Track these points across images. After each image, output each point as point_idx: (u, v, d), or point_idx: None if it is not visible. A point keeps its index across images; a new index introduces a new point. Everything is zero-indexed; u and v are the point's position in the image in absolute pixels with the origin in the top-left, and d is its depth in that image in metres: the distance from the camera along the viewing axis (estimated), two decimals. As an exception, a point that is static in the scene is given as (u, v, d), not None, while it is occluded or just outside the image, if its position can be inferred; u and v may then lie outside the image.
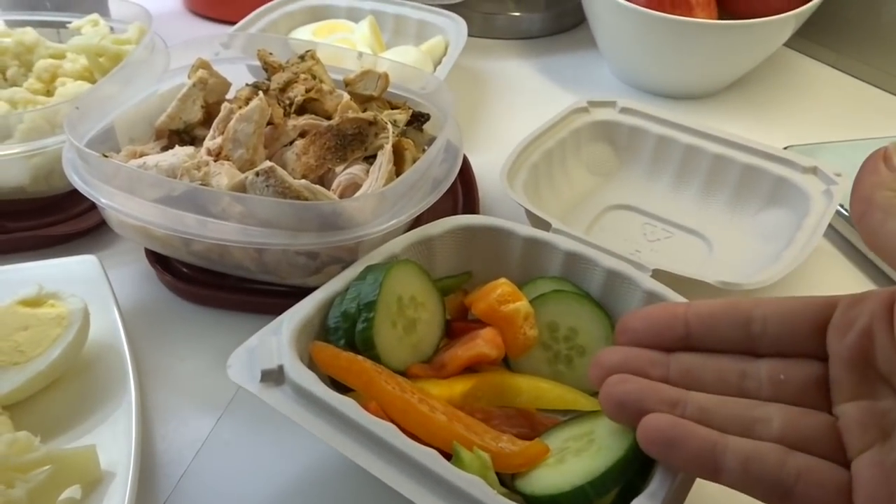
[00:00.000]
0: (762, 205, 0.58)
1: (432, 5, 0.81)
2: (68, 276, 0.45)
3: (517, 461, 0.34)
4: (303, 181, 0.44)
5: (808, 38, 0.86)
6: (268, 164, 0.43)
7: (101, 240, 0.55)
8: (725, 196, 0.60)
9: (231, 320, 0.49)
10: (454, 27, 0.78)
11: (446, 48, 0.77)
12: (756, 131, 0.69)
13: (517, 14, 0.92)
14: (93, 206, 0.55)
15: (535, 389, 0.39)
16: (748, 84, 0.80)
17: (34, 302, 0.41)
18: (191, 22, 0.93)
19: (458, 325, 0.44)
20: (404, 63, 0.61)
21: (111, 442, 0.37)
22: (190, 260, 0.49)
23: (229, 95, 0.56)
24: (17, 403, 0.39)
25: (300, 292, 0.48)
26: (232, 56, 0.63)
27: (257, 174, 0.43)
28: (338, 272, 0.46)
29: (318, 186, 0.44)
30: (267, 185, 0.43)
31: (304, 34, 0.78)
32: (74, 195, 0.55)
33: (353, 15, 0.82)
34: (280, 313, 0.42)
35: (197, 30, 0.91)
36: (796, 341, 0.29)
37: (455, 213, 0.55)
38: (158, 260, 0.51)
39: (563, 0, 0.94)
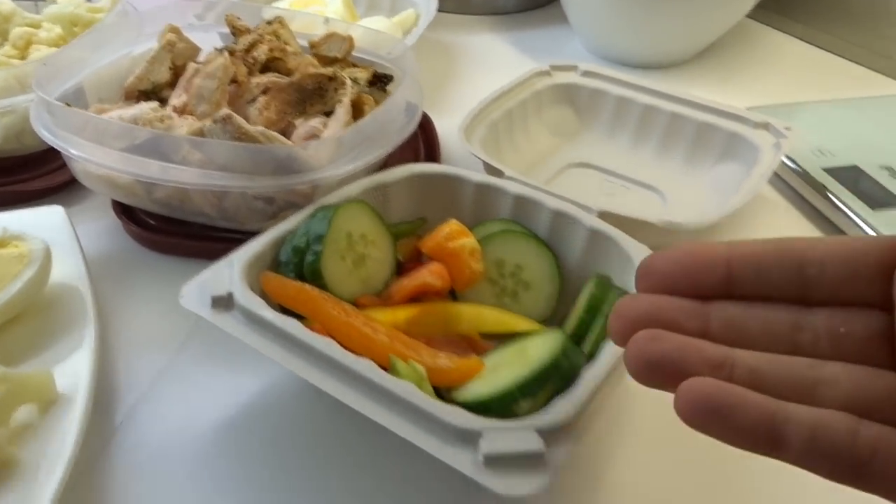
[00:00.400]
0: (716, 159, 0.59)
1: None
2: (34, 222, 0.47)
3: (452, 376, 0.36)
4: (259, 128, 0.45)
5: (774, 11, 0.88)
6: (225, 110, 0.45)
7: (71, 196, 0.56)
8: (681, 152, 0.61)
9: (193, 266, 0.50)
10: (425, 0, 0.79)
11: (417, 20, 0.78)
12: (719, 96, 0.70)
13: (492, -10, 0.94)
14: (63, 165, 0.56)
15: (476, 315, 0.40)
16: (715, 54, 0.82)
17: (-1, 244, 0.43)
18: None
19: (410, 266, 0.46)
20: (368, 27, 0.63)
21: (70, 369, 0.39)
22: (153, 208, 0.50)
23: (199, 60, 0.58)
24: (-20, 336, 0.40)
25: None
26: (205, 25, 0.65)
27: (215, 121, 0.45)
28: (294, 217, 0.47)
29: (274, 133, 0.46)
30: (224, 131, 0.45)
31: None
32: (46, 154, 0.57)
33: (328, -11, 0.83)
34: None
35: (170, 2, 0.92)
36: (858, 288, 0.24)
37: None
38: (124, 212, 0.53)
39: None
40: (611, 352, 0.35)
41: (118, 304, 0.47)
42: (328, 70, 0.52)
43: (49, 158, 0.57)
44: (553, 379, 0.34)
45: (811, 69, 0.80)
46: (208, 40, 0.61)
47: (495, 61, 0.82)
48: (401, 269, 0.45)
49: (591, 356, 0.36)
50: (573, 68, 0.66)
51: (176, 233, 0.51)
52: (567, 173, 0.62)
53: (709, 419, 0.22)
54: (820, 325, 0.24)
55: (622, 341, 0.24)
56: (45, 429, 0.36)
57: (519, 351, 0.36)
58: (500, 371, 0.35)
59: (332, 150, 0.46)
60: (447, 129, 0.64)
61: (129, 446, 0.39)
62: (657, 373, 0.23)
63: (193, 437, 0.40)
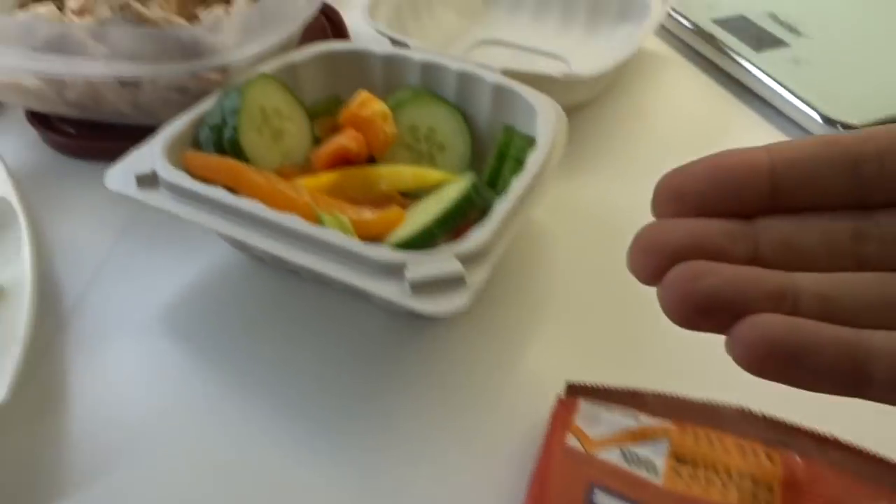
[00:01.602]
0: (614, 22, 0.62)
1: None
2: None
3: (377, 227, 0.39)
4: (160, 13, 0.46)
5: None
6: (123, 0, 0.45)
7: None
8: (582, 20, 0.64)
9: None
10: None
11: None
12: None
13: None
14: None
15: (394, 173, 0.43)
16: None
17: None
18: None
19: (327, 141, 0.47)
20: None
21: (10, 266, 0.40)
22: (67, 112, 0.50)
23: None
24: None
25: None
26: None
27: (113, 10, 0.45)
28: (211, 105, 0.48)
29: (176, 17, 0.46)
30: (126, 21, 0.45)
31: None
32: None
33: None
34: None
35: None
36: None
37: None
38: (41, 122, 0.53)
39: None
40: (518, 185, 0.38)
41: (47, 210, 0.48)
42: (225, -42, 0.52)
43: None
44: (466, 213, 0.37)
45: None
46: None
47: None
48: (319, 144, 0.47)
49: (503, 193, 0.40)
50: (473, -54, 0.67)
51: (96, 137, 0.52)
52: (476, 52, 0.64)
53: (781, 364, 0.18)
54: (887, 230, 0.20)
55: (653, 279, 0.20)
56: (-7, 319, 0.37)
57: (436, 198, 0.39)
58: (419, 216, 0.38)
59: (238, 31, 0.47)
60: (355, 21, 0.64)
61: (81, 330, 0.41)
62: (711, 314, 0.19)
63: (141, 317, 0.41)
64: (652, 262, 0.20)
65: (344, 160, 0.44)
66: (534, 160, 0.40)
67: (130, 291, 0.43)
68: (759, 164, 0.20)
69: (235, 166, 0.40)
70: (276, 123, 0.44)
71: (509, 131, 0.43)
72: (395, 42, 0.54)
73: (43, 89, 0.48)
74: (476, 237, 0.35)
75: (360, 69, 0.50)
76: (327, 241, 0.35)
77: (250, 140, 0.42)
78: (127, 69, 0.45)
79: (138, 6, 0.45)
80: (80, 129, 0.53)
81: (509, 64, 0.49)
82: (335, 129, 0.48)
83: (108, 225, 0.47)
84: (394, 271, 0.34)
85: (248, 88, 0.43)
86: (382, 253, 0.34)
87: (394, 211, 0.39)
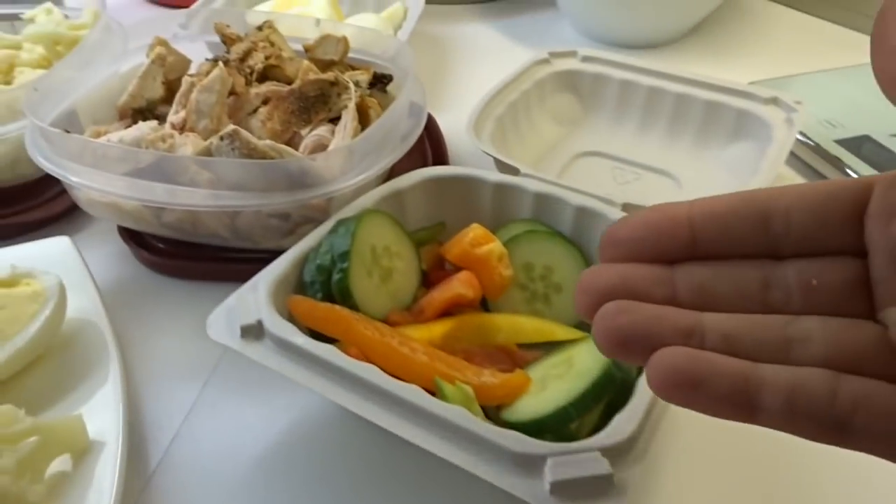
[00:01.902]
0: (727, 139, 0.59)
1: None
2: (41, 256, 0.45)
3: (500, 392, 0.35)
4: (268, 141, 0.44)
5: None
6: (231, 127, 0.43)
7: (73, 223, 0.54)
8: (691, 134, 0.60)
9: (210, 290, 0.49)
10: (412, -7, 0.77)
11: (405, 14, 0.76)
12: (718, 73, 0.69)
13: (475, -22, 0.92)
14: (62, 191, 0.54)
15: (514, 325, 0.39)
16: (707, 29, 0.81)
17: (8, 283, 0.41)
18: (146, 9, 0.92)
19: (434, 274, 0.44)
20: (359, 26, 0.61)
21: (98, 412, 0.37)
22: (163, 233, 0.49)
23: (191, 72, 0.56)
24: (1, 383, 0.39)
25: (276, 256, 0.48)
26: (190, 34, 0.63)
27: (221, 138, 0.43)
28: (311, 232, 0.46)
29: (283, 146, 0.44)
30: (232, 149, 0.43)
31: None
32: (43, 182, 0.55)
33: (311, -12, 0.81)
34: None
35: (153, 15, 0.90)
36: (828, 236, 0.23)
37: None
38: (132, 237, 0.51)
39: (519, -39, 0.95)
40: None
41: (137, 334, 0.46)
42: (329, 75, 0.50)
43: (47, 186, 0.55)
44: (608, 392, 0.33)
45: (808, 39, 0.79)
46: (196, 51, 0.59)
47: (486, 51, 0.81)
48: (426, 278, 0.44)
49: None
50: (572, 54, 0.64)
51: (188, 256, 0.50)
52: (577, 163, 0.61)
53: (681, 392, 0.21)
54: (791, 279, 0.23)
55: (589, 315, 0.23)
56: (80, 478, 0.35)
57: (565, 362, 0.35)
58: (550, 386, 0.34)
59: (344, 159, 0.45)
60: (449, 125, 0.62)
61: (167, 488, 0.38)
62: (628, 346, 0.22)
63: (231, 473, 0.38)
64: (587, 301, 0.23)
65: (457, 307, 0.41)
66: (674, 324, 0.36)
67: (219, 443, 0.40)
68: (680, 218, 0.24)
69: (345, 318, 0.37)
70: (386, 262, 0.41)
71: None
72: (499, 162, 0.52)
73: (141, 211, 0.47)
74: (623, 428, 0.31)
75: (469, 196, 0.47)
76: (452, 421, 0.31)
77: (360, 285, 0.39)
78: (231, 199, 0.43)
79: (247, 135, 0.43)
80: (172, 246, 0.51)
81: (621, 193, 0.45)
82: (442, 260, 0.45)
83: (200, 357, 0.44)
84: (530, 465, 0.30)
85: (358, 227, 0.40)
86: (518, 444, 0.30)
87: (519, 377, 0.35)
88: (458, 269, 0.43)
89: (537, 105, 0.62)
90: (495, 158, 0.52)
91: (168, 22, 0.63)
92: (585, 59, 0.64)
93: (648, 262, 0.24)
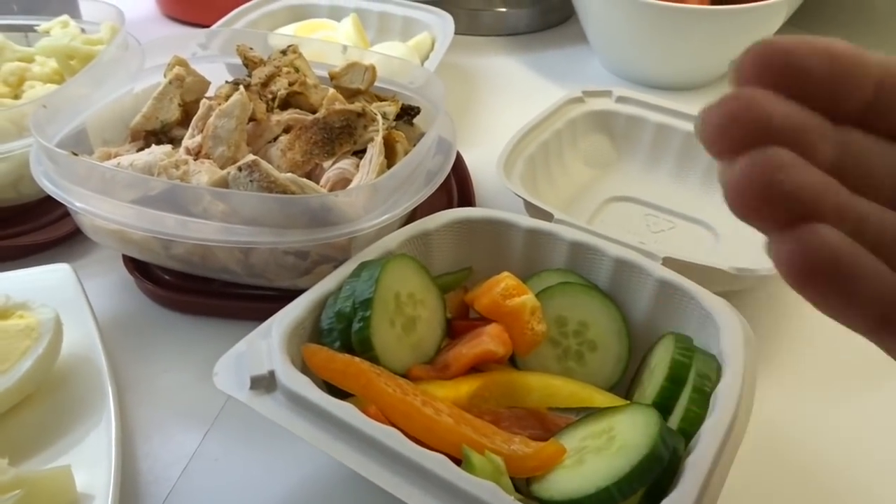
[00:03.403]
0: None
1: (418, 1, 0.79)
2: (39, 285, 0.42)
3: (532, 464, 0.32)
4: (289, 175, 0.41)
5: (799, 27, 0.84)
6: (251, 157, 0.41)
7: (75, 249, 0.52)
8: (729, 183, 0.57)
9: (217, 328, 0.46)
10: (440, 23, 0.75)
11: (433, 44, 0.74)
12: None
13: (503, 10, 0.90)
14: (66, 214, 0.52)
15: (547, 387, 0.36)
16: (742, 73, 0.78)
17: (1, 314, 0.38)
18: (167, 26, 0.90)
19: (459, 323, 0.41)
20: (388, 55, 0.59)
21: (89, 462, 0.34)
22: (170, 265, 0.46)
23: (209, 94, 0.54)
24: (-15, 422, 0.36)
25: (290, 295, 0.45)
26: (210, 55, 0.61)
27: (240, 168, 0.40)
28: (329, 272, 0.43)
29: (305, 180, 0.41)
30: (251, 180, 0.40)
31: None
32: (46, 203, 0.52)
33: (336, 14, 0.79)
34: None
35: (173, 33, 0.88)
36: None
37: (450, 208, 0.52)
38: (137, 267, 0.48)
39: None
40: (713, 436, 0.31)
41: (136, 373, 0.42)
42: (356, 106, 0.47)
43: (49, 207, 0.52)
44: (655, 472, 0.29)
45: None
46: (215, 72, 0.57)
47: (513, 85, 0.78)
48: (450, 327, 0.41)
49: (682, 433, 0.32)
50: (607, 94, 0.62)
51: (195, 290, 0.47)
52: (608, 208, 0.58)
53: (829, 279, 0.17)
54: None
55: (729, 152, 0.17)
56: (65, 539, 0.31)
57: (605, 433, 0.32)
58: (588, 460, 0.31)
59: (369, 197, 0.42)
60: (475, 161, 0.60)
61: (158, 549, 0.34)
62: (776, 209, 0.17)
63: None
64: (737, 134, 0.17)
65: (485, 363, 0.37)
66: (726, 398, 0.32)
67: (220, 501, 0.36)
68: (870, 66, 0.18)
69: (364, 373, 0.34)
70: (410, 311, 0.38)
71: (686, 347, 0.36)
72: (530, 206, 0.49)
73: (148, 241, 0.44)
74: (673, 516, 0.27)
75: (499, 240, 0.44)
76: (483, 499, 0.28)
77: (382, 335, 0.36)
78: (247, 235, 0.40)
79: (268, 167, 0.40)
80: (178, 279, 0.48)
81: (655, 242, 0.42)
82: (466, 308, 0.42)
83: (201, 402, 0.41)
84: (568, 555, 0.27)
85: (383, 272, 0.37)
86: (556, 532, 0.27)
87: (553, 447, 0.32)
88: (483, 317, 0.40)
89: (569, 145, 0.60)
90: (526, 201, 0.49)
91: (187, 41, 0.60)
92: (620, 99, 0.61)
93: (818, 108, 0.18)
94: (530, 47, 0.87)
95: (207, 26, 0.88)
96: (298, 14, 0.80)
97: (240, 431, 0.40)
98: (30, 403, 0.37)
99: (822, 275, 0.17)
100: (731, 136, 0.17)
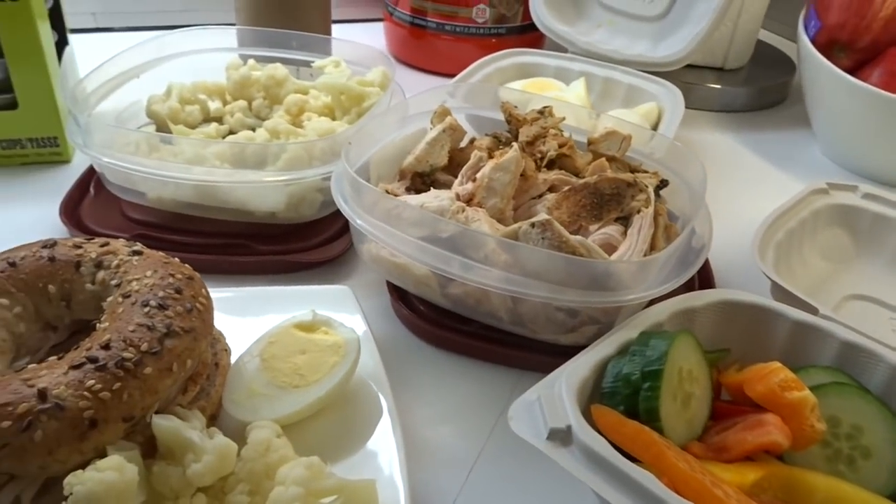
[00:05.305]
0: None
1: (643, 71, 0.80)
2: (325, 303, 0.45)
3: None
4: (579, 237, 0.43)
5: None
6: (544, 216, 0.43)
7: (340, 270, 0.56)
8: None
9: (469, 367, 0.49)
10: (667, 94, 0.76)
11: (659, 115, 0.76)
12: None
13: (718, 87, 0.90)
14: (335, 237, 0.56)
15: (834, 490, 0.36)
16: None
17: (308, 327, 0.42)
18: (398, 71, 0.96)
19: (720, 405, 0.42)
20: (640, 126, 0.61)
21: (381, 479, 0.37)
22: (441, 302, 0.49)
23: (461, 144, 0.57)
24: (290, 426, 0.39)
25: (546, 347, 0.47)
26: (457, 106, 0.64)
27: (533, 225, 0.43)
28: (592, 332, 0.45)
29: (592, 244, 0.43)
30: (542, 238, 0.43)
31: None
32: (315, 224, 0.57)
33: (562, 74, 0.82)
34: (524, 368, 0.46)
35: (405, 78, 0.93)
36: None
37: (691, 286, 0.53)
38: (401, 297, 0.51)
39: (765, 77, 0.93)
40: None
41: (401, 399, 0.45)
42: (628, 176, 0.49)
43: (318, 229, 0.57)
44: None
45: None
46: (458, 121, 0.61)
47: (733, 163, 0.78)
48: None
49: None
50: (853, 188, 0.61)
51: (452, 327, 0.49)
52: (847, 306, 0.56)
53: None
54: None
55: None
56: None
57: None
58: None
59: (643, 268, 0.43)
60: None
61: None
62: None
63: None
64: None
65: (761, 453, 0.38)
66: None
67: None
68: None
69: (657, 444, 0.35)
70: (688, 387, 0.39)
71: None
72: (786, 295, 0.48)
73: (428, 278, 0.47)
74: None
75: (761, 328, 0.45)
76: None
77: (666, 408, 0.37)
78: (528, 287, 0.42)
79: (560, 228, 0.42)
80: (437, 314, 0.50)
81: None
82: (719, 388, 0.42)
83: (464, 438, 0.43)
84: None
85: (673, 347, 0.38)
86: None
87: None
88: (742, 404, 0.40)
89: (809, 237, 0.59)
90: (776, 287, 0.49)
91: (440, 94, 0.64)
92: (866, 195, 0.60)
93: None
94: (744, 126, 0.87)
95: (432, 72, 0.94)
96: (526, 72, 0.83)
97: (500, 466, 0.42)
98: (324, 413, 0.40)
99: None
100: None
